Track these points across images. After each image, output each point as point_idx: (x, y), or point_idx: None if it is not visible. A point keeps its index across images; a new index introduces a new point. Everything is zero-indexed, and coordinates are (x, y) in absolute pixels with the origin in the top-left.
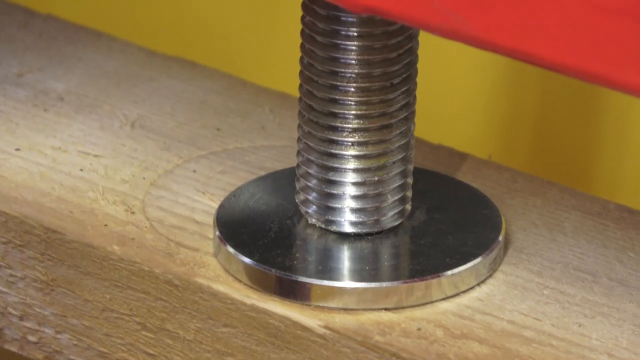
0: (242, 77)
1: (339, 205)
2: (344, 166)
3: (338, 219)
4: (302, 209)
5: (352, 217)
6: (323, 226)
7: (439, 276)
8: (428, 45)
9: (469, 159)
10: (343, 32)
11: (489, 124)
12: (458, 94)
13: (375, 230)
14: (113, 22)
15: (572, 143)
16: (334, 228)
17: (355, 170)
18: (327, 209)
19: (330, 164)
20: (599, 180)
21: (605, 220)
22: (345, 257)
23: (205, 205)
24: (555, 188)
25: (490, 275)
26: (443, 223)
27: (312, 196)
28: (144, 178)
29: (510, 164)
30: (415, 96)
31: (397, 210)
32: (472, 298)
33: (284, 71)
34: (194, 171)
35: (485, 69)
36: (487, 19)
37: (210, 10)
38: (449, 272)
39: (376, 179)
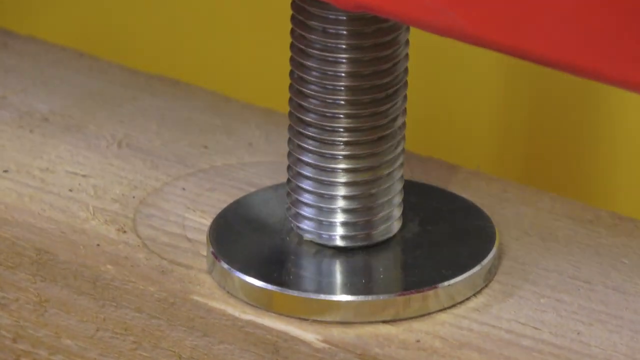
0: (225, 94)
1: (331, 219)
2: (335, 180)
3: (330, 233)
4: (294, 223)
5: (344, 231)
6: (315, 240)
7: (435, 287)
8: (418, 57)
9: (459, 171)
10: (332, 45)
11: (479, 134)
12: (447, 105)
13: (368, 243)
14: (94, 43)
15: (562, 152)
16: (326, 242)
17: (346, 184)
18: (319, 223)
19: (321, 178)
20: (589, 188)
21: (598, 228)
22: (341, 271)
23: (196, 223)
24: (547, 197)
25: (486, 286)
26: (436, 235)
27: (304, 210)
28: (133, 197)
29: (500, 174)
30: (405, 109)
31: (389, 223)
32: (469, 309)
33: (268, 87)
34: (183, 189)
35: (476, 79)
36: (478, 15)
37: (190, 27)
38: (446, 283)
39: (368, 192)
